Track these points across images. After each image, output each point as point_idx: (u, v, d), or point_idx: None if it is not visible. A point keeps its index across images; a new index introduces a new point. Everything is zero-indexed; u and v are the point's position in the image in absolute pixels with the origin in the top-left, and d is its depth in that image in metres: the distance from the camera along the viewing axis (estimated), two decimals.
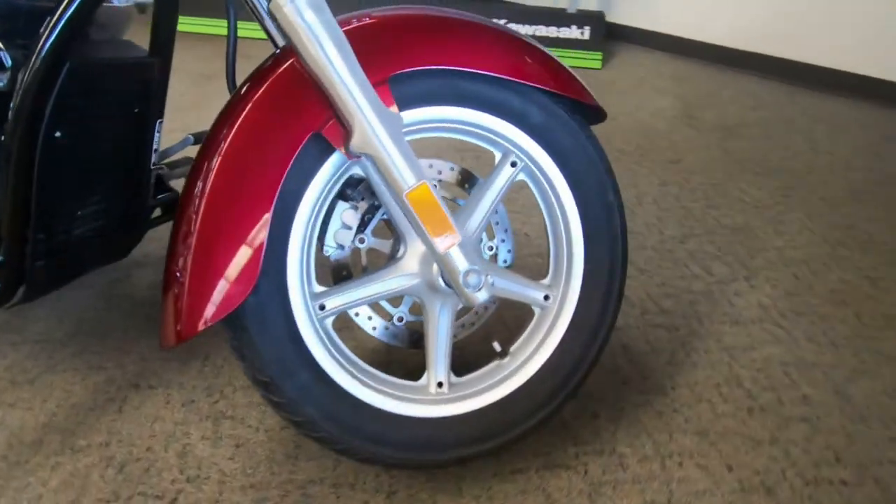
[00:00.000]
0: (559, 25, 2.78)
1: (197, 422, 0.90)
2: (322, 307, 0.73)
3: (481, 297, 0.67)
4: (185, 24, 2.98)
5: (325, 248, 0.78)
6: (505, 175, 0.78)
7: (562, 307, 0.82)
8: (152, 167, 0.95)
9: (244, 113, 0.63)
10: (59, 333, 1.07)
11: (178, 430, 0.89)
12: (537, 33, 2.78)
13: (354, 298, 0.75)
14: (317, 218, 0.70)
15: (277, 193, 0.63)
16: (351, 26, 0.64)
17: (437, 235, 0.62)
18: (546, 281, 0.84)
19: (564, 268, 0.82)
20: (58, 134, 0.74)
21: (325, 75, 0.57)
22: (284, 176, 0.63)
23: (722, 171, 1.77)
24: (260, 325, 0.66)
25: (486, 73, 0.67)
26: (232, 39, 0.79)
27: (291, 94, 0.62)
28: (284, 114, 0.62)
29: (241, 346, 0.67)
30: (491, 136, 0.75)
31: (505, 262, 0.88)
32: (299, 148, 0.62)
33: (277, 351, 0.67)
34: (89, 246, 0.88)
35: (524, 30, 2.80)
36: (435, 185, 0.83)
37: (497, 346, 0.84)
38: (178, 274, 0.63)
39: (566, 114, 0.75)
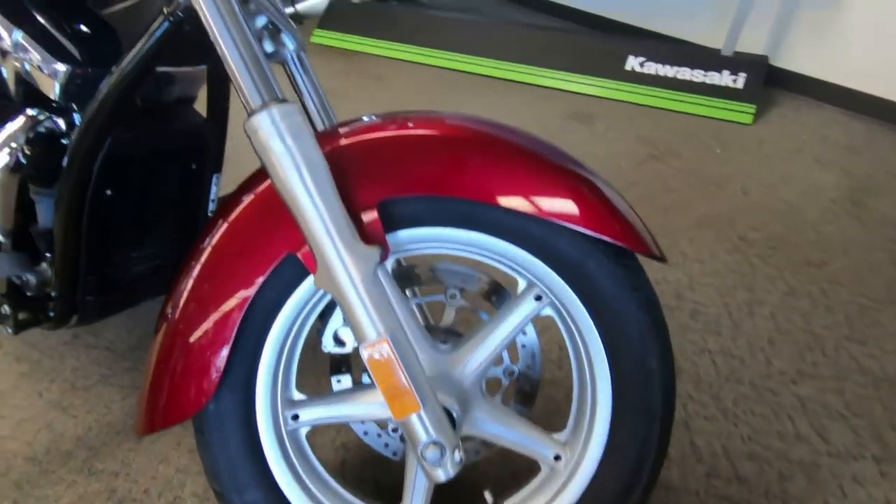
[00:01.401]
0: (707, 69, 2.44)
1: (195, 474, 0.92)
2: (296, 417, 0.68)
3: (442, 475, 0.56)
4: (327, 38, 3.21)
5: (323, 345, 0.73)
6: (527, 308, 0.66)
7: (573, 474, 0.67)
8: (209, 214, 0.98)
9: (234, 215, 0.60)
10: (123, 345, 1.18)
11: (176, 477, 0.91)
12: (678, 76, 2.47)
13: (330, 415, 0.69)
14: (299, 331, 0.66)
15: (248, 306, 0.59)
16: (350, 141, 0.58)
17: (394, 400, 0.52)
18: (561, 437, 0.70)
19: (584, 430, 0.67)
20: (108, 192, 0.79)
21: (293, 204, 0.51)
22: (257, 290, 0.58)
23: (884, 289, 1.37)
24: (217, 434, 0.63)
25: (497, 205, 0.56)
26: None
27: (278, 204, 0.57)
28: (267, 225, 0.58)
29: (199, 448, 0.64)
30: (511, 263, 0.63)
31: (526, 391, 0.76)
32: (275, 263, 0.58)
33: (231, 463, 0.64)
34: (143, 282, 0.94)
35: (664, 70, 2.50)
36: (454, 296, 0.75)
37: (489, 497, 0.72)
38: (151, 367, 0.62)
39: (606, 255, 0.59)
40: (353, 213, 0.55)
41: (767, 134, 2.23)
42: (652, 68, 2.53)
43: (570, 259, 0.60)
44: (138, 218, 0.88)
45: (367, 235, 0.55)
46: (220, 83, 0.83)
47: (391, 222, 0.58)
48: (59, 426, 1.00)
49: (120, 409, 1.04)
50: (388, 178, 0.56)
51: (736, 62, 2.43)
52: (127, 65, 0.65)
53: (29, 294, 0.85)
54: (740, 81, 2.38)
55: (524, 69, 2.73)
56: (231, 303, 0.58)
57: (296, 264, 0.58)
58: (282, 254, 0.57)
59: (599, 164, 1.97)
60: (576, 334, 0.65)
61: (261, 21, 0.66)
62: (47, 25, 0.70)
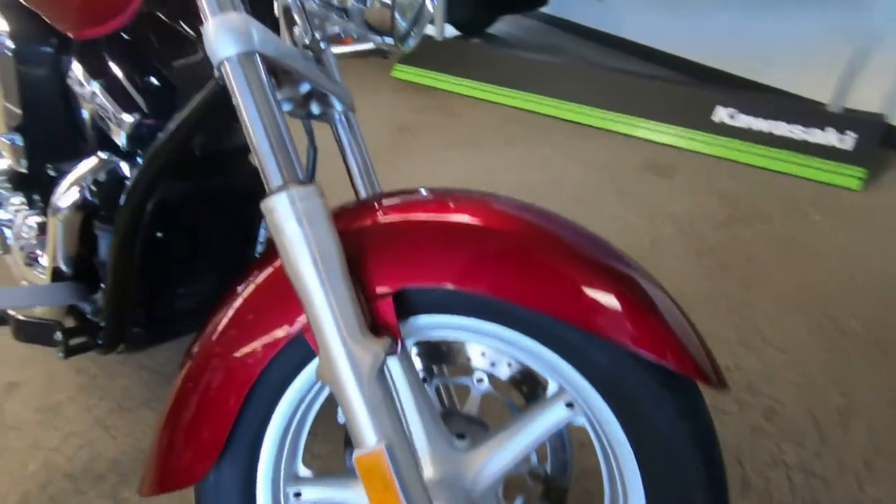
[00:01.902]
0: (808, 125, 2.21)
1: None
2: (298, 495, 0.65)
3: None
4: (407, 73, 3.30)
5: (339, 416, 0.69)
6: (556, 415, 0.58)
7: None
8: (256, 255, 1.00)
9: (253, 284, 0.59)
10: (171, 368, 1.22)
11: None
12: (774, 131, 2.26)
13: (332, 498, 0.64)
14: (310, 405, 0.63)
15: (258, 376, 0.56)
16: (376, 219, 0.55)
17: None
18: None
19: None
20: (159, 234, 0.81)
21: (301, 290, 0.48)
22: (269, 360, 0.56)
23: None
24: None
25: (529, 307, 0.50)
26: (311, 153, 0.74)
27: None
28: (283, 299, 0.56)
29: None
30: (541, 363, 0.56)
31: (552, 497, 0.68)
32: (289, 336, 0.55)
33: None
34: (189, 317, 0.97)
35: (757, 124, 2.31)
36: (481, 380, 0.69)
37: None
38: (160, 424, 0.61)
39: (651, 373, 0.51)
40: (368, 299, 0.52)
41: (878, 202, 1.97)
42: (743, 121, 2.34)
43: (608, 372, 0.52)
44: (188, 257, 0.90)
45: (378, 325, 0.51)
46: None
47: (411, 306, 0.54)
48: (99, 445, 1.04)
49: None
50: (410, 265, 0.52)
51: (844, 119, 2.19)
52: (182, 119, 0.67)
53: (83, 322, 0.90)
54: (849, 141, 2.14)
55: (603, 114, 2.64)
56: (241, 370, 0.56)
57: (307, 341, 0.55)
58: (296, 327, 0.54)
59: (674, 222, 1.82)
60: (610, 455, 0.56)
61: (305, 87, 0.66)
62: (119, 78, 0.74)
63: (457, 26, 4.23)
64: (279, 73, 0.61)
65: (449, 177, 2.13)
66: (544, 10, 4.49)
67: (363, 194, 0.79)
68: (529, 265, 0.50)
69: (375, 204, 0.58)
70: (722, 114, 2.40)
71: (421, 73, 3.27)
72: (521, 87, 2.93)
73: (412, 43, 0.64)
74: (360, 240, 0.54)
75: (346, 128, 0.78)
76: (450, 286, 0.51)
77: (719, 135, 2.36)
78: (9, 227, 1.00)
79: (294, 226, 0.47)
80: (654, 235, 1.74)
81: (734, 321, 1.36)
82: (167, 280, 0.90)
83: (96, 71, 0.75)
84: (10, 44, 0.78)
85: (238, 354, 0.56)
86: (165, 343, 0.98)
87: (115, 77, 0.74)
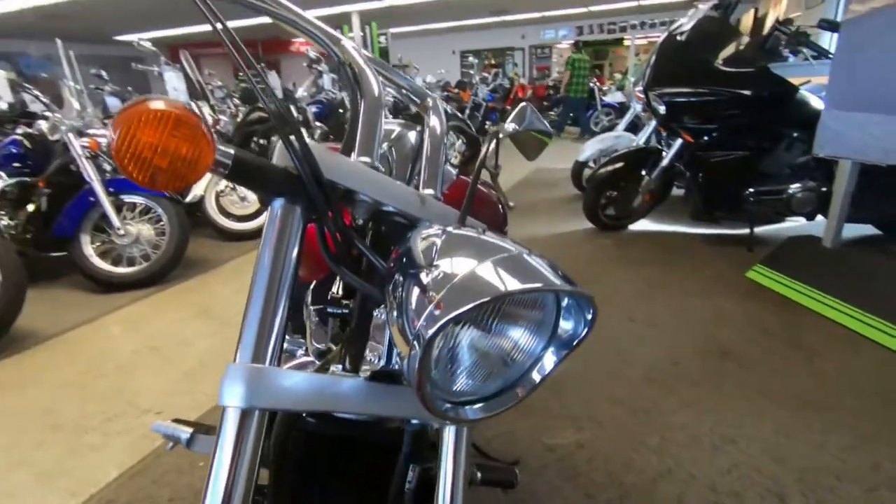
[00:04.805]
0: None
1: None
2: None
3: None
4: (766, 276, 2.67)
5: None
6: None
7: None
8: (405, 490, 0.96)
9: None
10: None
11: None
12: None
13: None
14: None
15: None
16: None
17: None
18: None
19: None
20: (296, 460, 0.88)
21: None
22: None
23: None
24: None
25: None
26: None
27: None
28: None
29: None
30: None
31: None
32: None
33: None
34: None
35: None
36: None
37: None
38: None
39: None
40: None
41: None
42: None
43: None
44: (331, 468, 0.94)
45: None
46: None
47: None
48: None
49: None
50: None
51: None
52: None
53: None
54: None
55: None
56: None
57: None
58: None
59: None
60: None
61: None
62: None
63: (876, 224, 3.22)
64: None
65: (740, 462, 1.50)
66: None
67: None
68: None
69: None
70: None
71: (784, 281, 2.60)
72: None
73: (480, 413, 0.47)
74: None
75: (451, 445, 0.64)
76: None
77: None
78: None
79: None
80: None
81: None
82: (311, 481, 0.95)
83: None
84: None
85: None
86: None
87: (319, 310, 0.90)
